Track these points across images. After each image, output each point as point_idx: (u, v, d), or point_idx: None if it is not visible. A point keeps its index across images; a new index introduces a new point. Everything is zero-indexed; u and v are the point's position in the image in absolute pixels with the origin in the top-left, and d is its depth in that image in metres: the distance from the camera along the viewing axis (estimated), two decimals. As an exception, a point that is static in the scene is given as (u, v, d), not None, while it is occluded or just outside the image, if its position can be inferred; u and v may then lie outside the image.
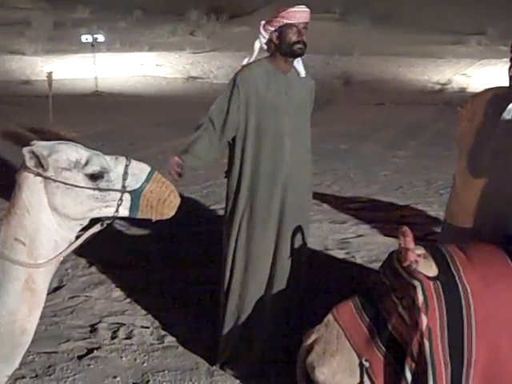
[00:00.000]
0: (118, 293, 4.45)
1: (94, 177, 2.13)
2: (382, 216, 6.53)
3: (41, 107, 10.69)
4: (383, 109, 17.57)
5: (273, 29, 3.28)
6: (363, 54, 25.01)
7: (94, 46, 18.41)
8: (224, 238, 3.47)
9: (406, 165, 9.36)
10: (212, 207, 6.61)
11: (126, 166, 2.17)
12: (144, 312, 4.16)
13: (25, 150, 2.05)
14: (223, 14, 33.40)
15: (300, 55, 3.32)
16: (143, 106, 16.94)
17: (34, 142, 2.18)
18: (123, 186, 2.16)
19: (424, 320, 2.32)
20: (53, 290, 4.42)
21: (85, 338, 3.80)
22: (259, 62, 3.38)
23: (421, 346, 2.32)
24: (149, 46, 26.48)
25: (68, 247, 2.20)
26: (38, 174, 2.08)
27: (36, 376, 3.37)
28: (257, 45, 3.40)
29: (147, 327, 3.96)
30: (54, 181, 2.10)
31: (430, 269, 2.46)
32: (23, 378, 3.33)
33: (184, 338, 3.81)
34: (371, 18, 31.46)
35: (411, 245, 2.46)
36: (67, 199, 2.11)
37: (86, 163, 2.13)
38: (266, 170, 3.34)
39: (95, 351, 3.64)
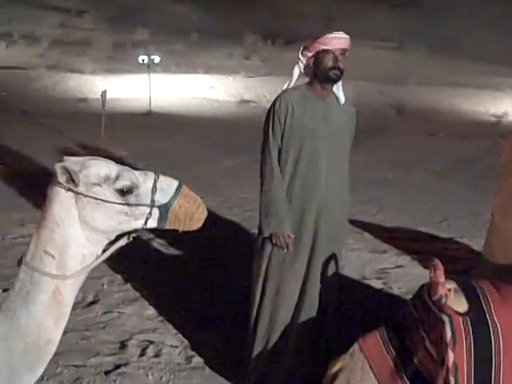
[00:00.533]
0: (150, 311, 4.46)
1: (124, 192, 2.16)
2: (424, 248, 6.41)
3: (95, 124, 10.93)
4: (435, 139, 17.38)
5: (310, 54, 3.28)
6: (419, 82, 24.82)
7: (149, 67, 18.76)
8: (255, 260, 3.46)
9: (454, 196, 9.21)
10: (252, 231, 6.61)
11: (155, 181, 2.20)
12: (175, 331, 4.16)
13: (57, 165, 2.09)
14: (279, 39, 33.66)
15: (335, 81, 3.30)
16: (194, 127, 17.17)
17: (66, 157, 2.23)
18: (152, 201, 2.19)
19: (451, 356, 2.26)
20: (87, 305, 4.48)
21: (114, 354, 3.82)
22: (297, 88, 3.39)
23: (446, 382, 2.26)
24: (204, 68, 26.87)
25: (95, 261, 2.23)
26: (69, 190, 2.11)
27: (62, 389, 3.41)
28: (296, 70, 3.40)
29: (176, 346, 3.95)
30: (85, 196, 2.13)
31: (460, 304, 2.40)
32: (49, 389, 3.37)
33: (212, 360, 3.80)
34: (428, 47, 31.24)
35: (441, 278, 2.40)
36: (97, 214, 2.14)
37: (116, 178, 2.16)
38: (300, 195, 3.32)
39: (122, 367, 3.66)
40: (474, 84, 25.07)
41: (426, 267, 5.60)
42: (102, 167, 2.17)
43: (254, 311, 3.43)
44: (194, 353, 3.88)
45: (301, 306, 3.34)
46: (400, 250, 6.25)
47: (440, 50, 31.88)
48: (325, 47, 3.22)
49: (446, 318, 2.32)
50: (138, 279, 5.04)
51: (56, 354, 3.65)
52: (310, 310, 3.34)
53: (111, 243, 2.23)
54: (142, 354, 3.84)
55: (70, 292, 2.16)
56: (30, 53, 28.81)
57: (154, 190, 2.17)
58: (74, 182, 2.10)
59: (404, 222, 7.55)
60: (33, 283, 2.11)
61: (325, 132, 3.33)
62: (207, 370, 3.71)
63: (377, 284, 5.26)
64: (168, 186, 2.20)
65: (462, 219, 7.78)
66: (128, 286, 4.90)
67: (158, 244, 5.96)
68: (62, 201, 2.11)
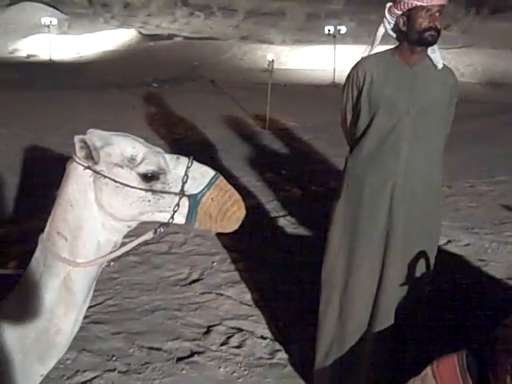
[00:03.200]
0: (251, 296, 4.20)
1: (148, 177, 1.88)
2: None
3: (274, 95, 10.85)
4: None
5: (400, 12, 2.74)
6: None
7: (335, 38, 18.32)
8: (325, 252, 3.05)
9: None
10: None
11: (188, 167, 1.88)
12: (269, 321, 3.85)
13: (76, 138, 1.86)
14: (484, 8, 31.43)
15: (431, 44, 2.74)
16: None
17: (91, 130, 1.97)
18: (181, 190, 1.86)
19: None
20: (189, 283, 4.33)
21: (194, 339, 3.62)
22: (381, 53, 2.87)
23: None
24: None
25: (112, 252, 1.96)
26: (88, 167, 1.86)
27: (126, 371, 3.26)
28: (380, 31, 2.89)
29: (265, 338, 3.67)
30: (104, 176, 1.86)
31: None
32: (114, 370, 3.23)
33: (297, 358, 3.45)
34: None
35: None
36: (116, 199, 1.88)
37: (141, 161, 1.86)
38: (372, 178, 2.82)
39: (196, 356, 3.45)
40: None
41: None
42: (127, 146, 1.89)
43: (321, 316, 3.06)
44: (281, 347, 3.55)
45: (377, 312, 2.87)
46: None
47: None
48: (419, 3, 2.65)
49: None
50: (252, 259, 4.77)
51: (135, 333, 3.55)
52: (387, 316, 2.87)
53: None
54: (225, 342, 3.61)
55: (81, 280, 1.94)
56: (226, 24, 29.68)
57: (185, 178, 1.85)
58: (93, 158, 1.83)
59: None
60: (46, 265, 1.92)
61: (410, 105, 2.76)
62: (288, 368, 3.39)
63: None
64: (201, 175, 1.89)
65: None
66: (238, 265, 4.65)
67: (287, 221, 5.66)
68: (77, 179, 1.88)
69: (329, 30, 18.85)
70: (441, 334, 3.60)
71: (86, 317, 2.04)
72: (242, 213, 1.93)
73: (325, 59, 20.51)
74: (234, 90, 15.72)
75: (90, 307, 2.02)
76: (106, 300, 3.99)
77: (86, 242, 1.89)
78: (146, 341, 3.54)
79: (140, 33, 28.34)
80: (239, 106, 12.99)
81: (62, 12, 31.01)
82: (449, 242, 5.39)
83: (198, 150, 8.65)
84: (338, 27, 18.80)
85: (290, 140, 9.78)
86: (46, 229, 1.93)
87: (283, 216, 5.89)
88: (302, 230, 5.35)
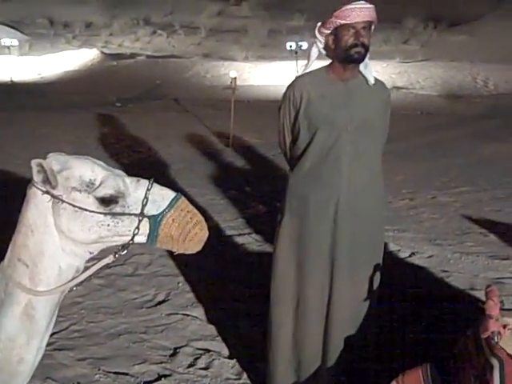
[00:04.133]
0: (219, 315, 4.16)
1: (106, 201, 1.87)
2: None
3: (236, 112, 10.89)
4: None
5: (328, 31, 2.77)
6: None
7: (297, 54, 18.51)
8: (272, 274, 3.05)
9: None
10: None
11: (148, 190, 1.87)
12: (236, 340, 3.83)
13: (33, 162, 1.84)
14: (442, 22, 31.99)
15: (358, 61, 2.77)
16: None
17: (51, 154, 1.96)
18: (141, 213, 1.86)
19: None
20: (155, 305, 4.29)
21: (161, 362, 3.57)
22: (315, 71, 2.89)
23: None
24: (358, 54, 26.05)
25: (74, 278, 1.94)
26: (46, 192, 1.85)
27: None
28: (314, 51, 2.92)
29: (232, 358, 3.62)
30: (62, 201, 1.85)
31: None
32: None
33: (264, 378, 3.38)
34: None
35: (495, 310, 1.86)
36: (74, 223, 1.86)
37: (100, 185, 1.85)
38: (315, 196, 2.84)
39: (163, 379, 3.39)
40: None
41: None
42: (86, 170, 1.88)
43: (273, 333, 3.07)
44: (248, 367, 3.51)
45: (330, 329, 2.88)
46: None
47: None
48: (343, 21, 2.69)
49: (495, 363, 1.84)
50: (217, 278, 4.75)
51: (101, 358, 3.50)
52: (340, 332, 2.88)
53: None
54: (192, 364, 3.57)
55: (42, 307, 1.91)
56: (188, 42, 29.79)
57: (145, 200, 1.85)
58: (50, 183, 1.82)
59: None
60: (6, 293, 1.89)
61: (348, 121, 2.79)
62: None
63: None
64: (162, 197, 1.88)
65: None
66: (204, 285, 4.62)
67: (253, 239, 5.66)
68: (37, 204, 1.86)
69: (290, 46, 19.09)
70: (404, 348, 3.62)
71: (49, 343, 2.01)
72: (205, 234, 1.92)
73: (287, 75, 20.65)
74: (198, 107, 15.75)
75: (53, 333, 2.00)
76: (71, 325, 3.92)
77: (47, 268, 1.87)
78: (112, 366, 3.48)
79: (102, 52, 28.28)
80: (202, 123, 13.00)
81: (22, 33, 30.77)
82: (412, 254, 5.45)
83: (162, 168, 8.63)
84: (300, 43, 19.01)
85: (253, 157, 9.81)
86: (7, 255, 1.91)
87: (248, 234, 5.89)
88: (267, 247, 5.35)
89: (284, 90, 2.96)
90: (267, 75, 22.58)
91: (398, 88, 21.35)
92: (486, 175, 8.68)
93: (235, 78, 10.93)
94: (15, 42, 23.28)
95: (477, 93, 20.00)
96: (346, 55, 2.75)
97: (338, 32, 2.74)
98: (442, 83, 21.25)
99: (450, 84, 20.97)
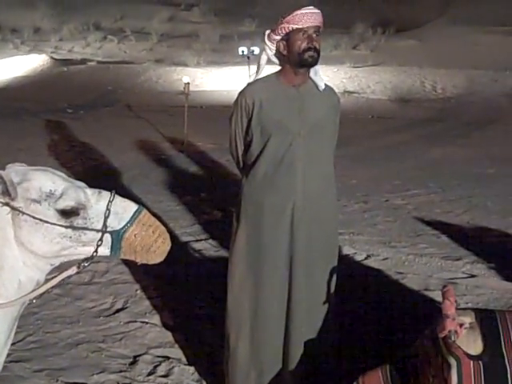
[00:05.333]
0: (177, 322, 4.13)
1: (67, 213, 1.85)
2: (509, 255, 5.60)
3: (191, 118, 10.86)
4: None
5: (279, 37, 2.81)
6: (538, 70, 22.98)
7: (249, 59, 18.55)
8: (228, 281, 3.07)
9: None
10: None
11: (110, 202, 1.87)
12: (196, 347, 3.81)
13: None
14: (390, 27, 32.51)
15: (311, 64, 2.81)
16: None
17: (10, 165, 1.94)
18: (104, 226, 1.86)
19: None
20: (113, 313, 4.25)
21: (121, 371, 3.53)
22: (266, 78, 2.91)
23: None
24: (308, 59, 26.26)
25: (34, 290, 1.92)
26: (6, 204, 1.83)
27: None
28: (263, 59, 2.94)
29: (192, 364, 3.61)
30: (22, 213, 1.83)
31: (473, 344, 1.93)
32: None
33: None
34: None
35: (451, 310, 1.92)
36: (35, 236, 1.85)
37: (60, 196, 1.84)
38: (272, 202, 2.85)
39: None
40: None
41: (505, 279, 4.96)
42: (46, 181, 1.87)
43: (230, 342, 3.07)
44: (208, 373, 3.50)
45: (288, 337, 2.91)
46: (478, 256, 5.51)
47: None
48: (296, 26, 2.73)
49: (452, 361, 1.87)
50: (175, 285, 4.73)
51: (59, 369, 3.45)
52: (299, 338, 2.90)
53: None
54: (152, 371, 3.54)
55: (1, 321, 1.89)
56: (140, 47, 29.56)
57: (107, 212, 1.85)
58: (10, 195, 1.81)
59: (494, 223, 6.68)
60: None
61: (300, 127, 2.83)
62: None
63: (439, 296, 4.48)
64: (124, 210, 1.88)
65: None
66: (162, 291, 4.59)
67: (210, 245, 5.67)
68: None
69: (242, 51, 19.11)
70: (364, 349, 3.68)
71: (6, 356, 1.98)
72: (168, 245, 1.94)
73: (240, 80, 20.71)
74: (151, 113, 15.69)
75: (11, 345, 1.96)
76: (27, 336, 3.86)
77: (6, 281, 1.85)
78: (71, 376, 3.43)
79: (52, 58, 27.85)
80: (156, 129, 12.95)
81: (-32, 38, 30.03)
82: (368, 256, 5.53)
83: (116, 175, 8.55)
84: (252, 48, 19.03)
85: (208, 162, 9.81)
86: (-31, 268, 1.88)
87: (204, 239, 5.89)
88: (223, 253, 5.36)
89: (236, 95, 2.97)
90: (220, 80, 22.62)
91: (349, 92, 21.66)
92: (437, 177, 8.88)
93: (188, 84, 10.92)
94: (-39, 48, 22.70)
95: (425, 97, 20.44)
96: (299, 59, 2.77)
97: (289, 37, 2.77)
98: (392, 87, 21.63)
99: (400, 88, 21.36)
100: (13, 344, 3.44)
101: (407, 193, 8.05)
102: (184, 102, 11.12)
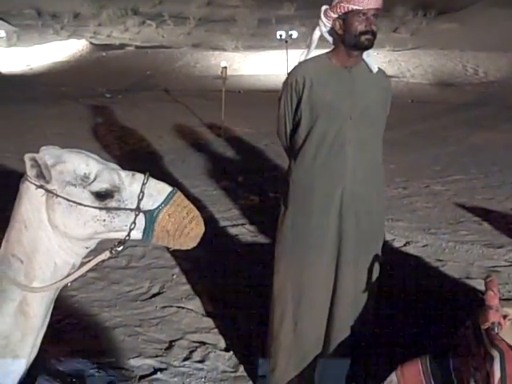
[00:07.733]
0: (214, 307, 4.12)
1: (102, 195, 1.83)
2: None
3: (227, 102, 10.82)
4: None
5: (336, 16, 2.72)
6: None
7: (287, 43, 18.39)
8: (275, 267, 3.01)
9: None
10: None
11: (143, 184, 1.84)
12: (233, 333, 3.79)
13: (26, 156, 1.80)
14: (431, 10, 31.96)
15: (367, 48, 2.73)
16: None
17: (45, 147, 1.92)
18: (137, 207, 1.83)
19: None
20: (149, 297, 4.26)
21: (157, 356, 3.53)
22: (317, 57, 2.83)
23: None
24: (348, 43, 26.01)
25: (69, 275, 1.91)
26: (40, 186, 1.81)
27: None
28: (316, 34, 2.84)
29: (228, 350, 3.60)
30: (56, 196, 1.81)
31: None
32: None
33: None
34: None
35: (495, 301, 1.85)
36: (69, 218, 1.83)
37: (95, 179, 1.82)
38: (322, 185, 2.79)
39: (159, 373, 3.35)
40: None
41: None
42: (80, 164, 1.85)
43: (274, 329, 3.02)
44: (244, 359, 3.49)
45: (333, 321, 2.86)
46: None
47: None
48: (356, 7, 2.64)
49: (495, 353, 1.81)
50: (211, 270, 4.71)
51: (96, 352, 3.47)
52: (344, 324, 2.85)
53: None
54: (188, 357, 3.53)
55: (38, 304, 1.88)
56: (178, 32, 29.64)
57: (140, 195, 1.81)
58: (44, 177, 1.79)
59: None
60: (0, 290, 1.86)
61: (351, 109, 2.75)
62: (251, 382, 3.31)
63: (481, 285, 4.37)
64: (158, 191, 1.85)
65: None
66: (199, 277, 4.58)
67: (247, 230, 5.63)
68: (30, 199, 1.82)
69: (280, 35, 18.91)
70: (404, 339, 3.61)
71: (43, 337, 1.98)
72: (201, 229, 1.90)
73: (277, 64, 20.61)
74: (188, 98, 15.67)
75: (47, 327, 1.96)
76: (64, 318, 3.89)
77: (42, 264, 1.84)
78: (107, 360, 3.43)
79: (91, 43, 28.08)
80: (193, 114, 12.94)
81: (10, 24, 30.47)
82: (407, 243, 5.44)
83: (154, 160, 8.57)
84: (290, 32, 18.87)
85: (245, 147, 9.77)
86: (1, 251, 1.87)
87: (242, 225, 5.86)
88: (261, 238, 5.33)
89: (275, 79, 2.90)
90: (257, 65, 22.51)
91: (389, 76, 21.38)
92: (478, 163, 8.69)
93: (226, 68, 10.84)
94: (3, 34, 23.12)
95: (467, 81, 20.02)
96: (355, 42, 2.70)
97: (347, 17, 2.68)
98: (433, 71, 21.25)
99: (441, 72, 20.97)
100: (49, 326, 3.48)
101: (447, 178, 7.90)
102: (221, 87, 11.05)
